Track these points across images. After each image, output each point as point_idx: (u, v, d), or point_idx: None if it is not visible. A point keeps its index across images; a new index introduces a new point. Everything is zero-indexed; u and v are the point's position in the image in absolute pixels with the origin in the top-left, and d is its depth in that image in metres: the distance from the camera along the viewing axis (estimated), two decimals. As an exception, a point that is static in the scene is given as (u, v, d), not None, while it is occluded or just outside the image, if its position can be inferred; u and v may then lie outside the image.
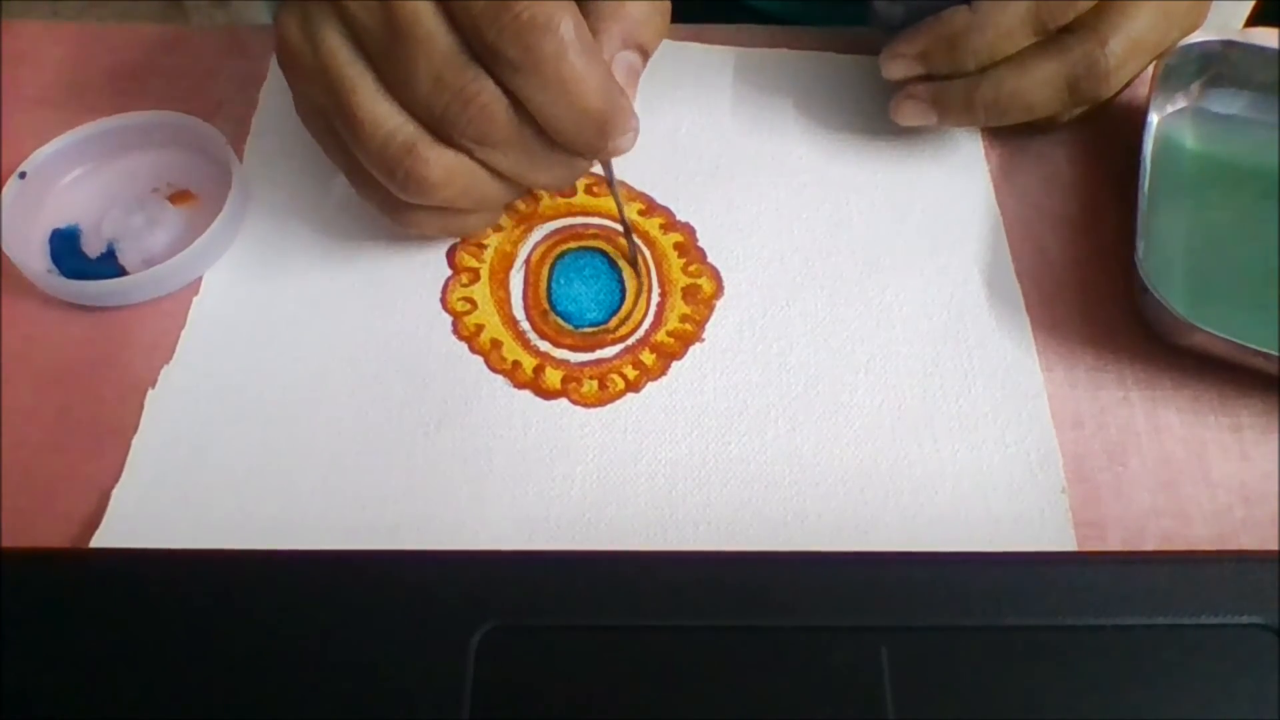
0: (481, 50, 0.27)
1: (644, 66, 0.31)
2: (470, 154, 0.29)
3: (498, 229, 0.35)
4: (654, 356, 0.33)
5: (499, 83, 0.28)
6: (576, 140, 0.29)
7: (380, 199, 0.32)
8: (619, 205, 0.34)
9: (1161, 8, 0.33)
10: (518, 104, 0.28)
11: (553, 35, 0.27)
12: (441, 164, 0.29)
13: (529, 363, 0.32)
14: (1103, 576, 0.25)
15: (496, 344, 0.33)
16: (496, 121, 0.28)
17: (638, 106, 0.39)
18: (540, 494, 0.30)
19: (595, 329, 0.33)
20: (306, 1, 0.29)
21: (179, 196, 0.36)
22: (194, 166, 0.36)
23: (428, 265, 0.34)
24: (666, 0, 0.32)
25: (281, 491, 0.29)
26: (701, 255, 0.35)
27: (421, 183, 0.29)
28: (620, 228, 0.35)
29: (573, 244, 0.35)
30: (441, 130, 0.29)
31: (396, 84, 0.28)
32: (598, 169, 0.37)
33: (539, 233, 0.35)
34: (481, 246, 0.35)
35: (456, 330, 0.33)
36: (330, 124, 0.30)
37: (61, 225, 0.35)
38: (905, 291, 0.34)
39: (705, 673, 0.24)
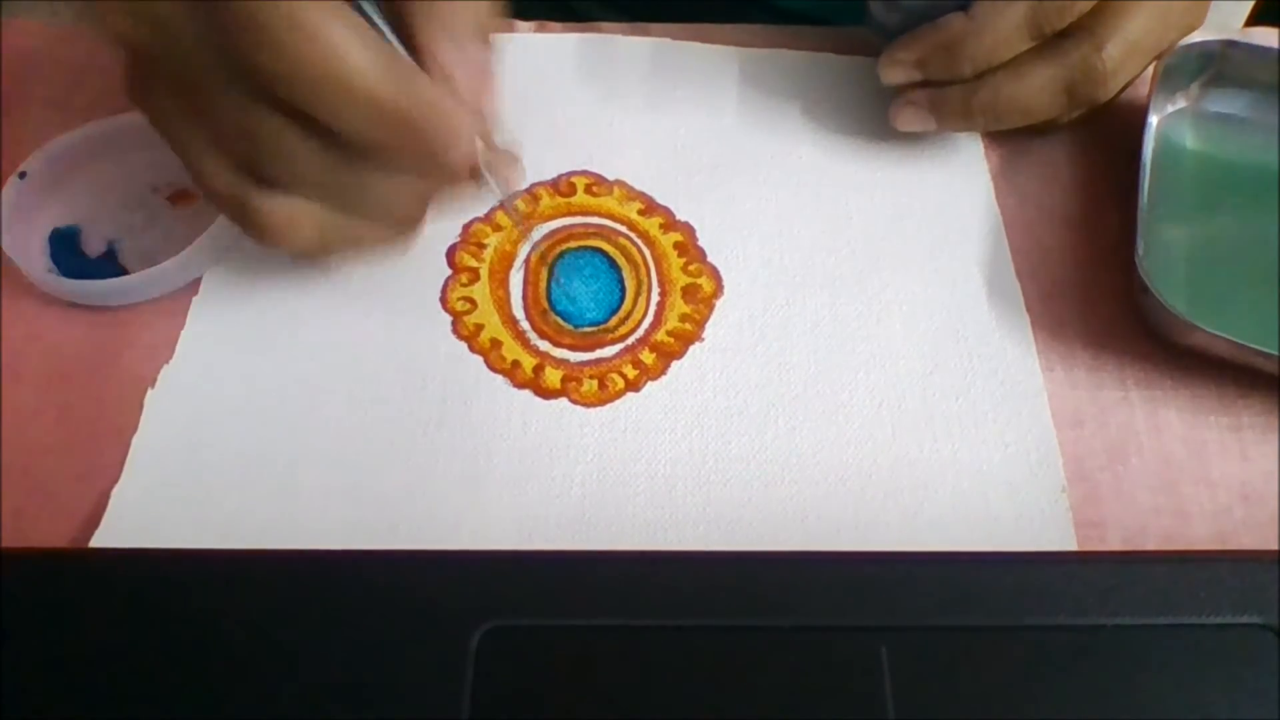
0: (252, 77, 0.24)
1: (489, 53, 0.28)
2: (306, 196, 0.27)
3: (497, 229, 0.35)
4: (654, 356, 0.33)
5: (296, 115, 0.25)
6: (391, 149, 0.26)
7: None
8: (513, 215, 0.31)
9: (1158, 9, 0.33)
10: (325, 134, 0.26)
11: (302, 30, 0.24)
12: (279, 213, 0.27)
13: (529, 362, 0.32)
14: (1103, 576, 0.25)
15: (496, 343, 0.33)
16: (307, 158, 0.26)
17: (635, 106, 0.39)
18: (540, 494, 0.30)
19: (595, 328, 0.33)
20: (137, 68, 0.27)
21: (179, 196, 0.36)
22: (194, 166, 0.36)
23: (427, 265, 0.34)
24: None
25: (281, 491, 0.29)
26: (701, 255, 0.35)
27: (265, 233, 0.28)
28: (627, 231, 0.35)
29: (572, 244, 0.35)
30: (266, 179, 0.27)
31: (216, 138, 0.27)
32: (601, 169, 0.37)
33: (539, 232, 0.35)
34: (481, 246, 0.35)
35: (456, 330, 0.33)
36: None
37: (61, 225, 0.35)
38: (905, 291, 0.34)
39: (705, 673, 0.24)
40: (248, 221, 0.28)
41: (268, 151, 0.26)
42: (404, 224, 0.30)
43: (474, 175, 0.28)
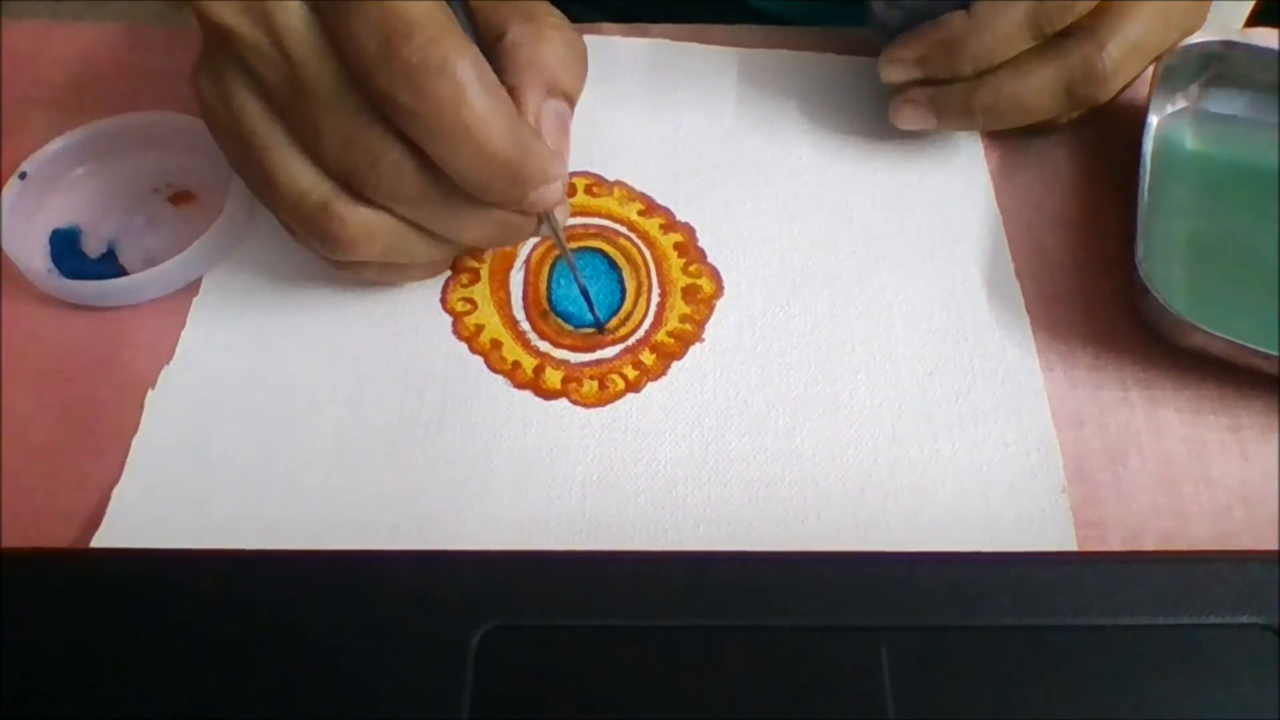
0: (378, 100, 0.26)
1: (572, 113, 0.30)
2: (389, 211, 0.28)
3: (498, 229, 0.35)
4: (654, 356, 0.33)
5: (405, 136, 0.26)
6: (489, 192, 0.27)
7: (312, 249, 0.31)
8: (566, 256, 0.32)
9: (1160, 10, 0.33)
10: (427, 158, 0.27)
11: (447, 78, 0.25)
12: (359, 222, 0.28)
13: (529, 363, 0.32)
14: (1103, 576, 0.25)
15: (496, 344, 0.33)
16: (406, 178, 0.27)
17: (635, 106, 0.39)
18: (540, 494, 0.30)
19: (595, 329, 0.33)
20: (218, 58, 0.28)
21: (179, 196, 0.36)
22: (194, 166, 0.36)
23: (428, 265, 0.34)
24: (581, 41, 0.31)
25: (281, 491, 0.29)
26: (701, 255, 0.35)
27: (339, 241, 0.28)
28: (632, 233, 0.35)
29: (573, 244, 0.35)
30: (355, 188, 0.28)
31: (308, 141, 0.27)
32: (601, 170, 0.37)
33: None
34: (481, 247, 0.35)
35: (456, 330, 0.33)
36: (249, 180, 0.30)
37: (61, 225, 0.35)
38: (905, 291, 0.34)
39: (705, 673, 0.24)
40: (324, 226, 0.28)
41: (371, 164, 0.27)
42: (458, 250, 0.32)
43: (542, 216, 0.30)
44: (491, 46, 0.29)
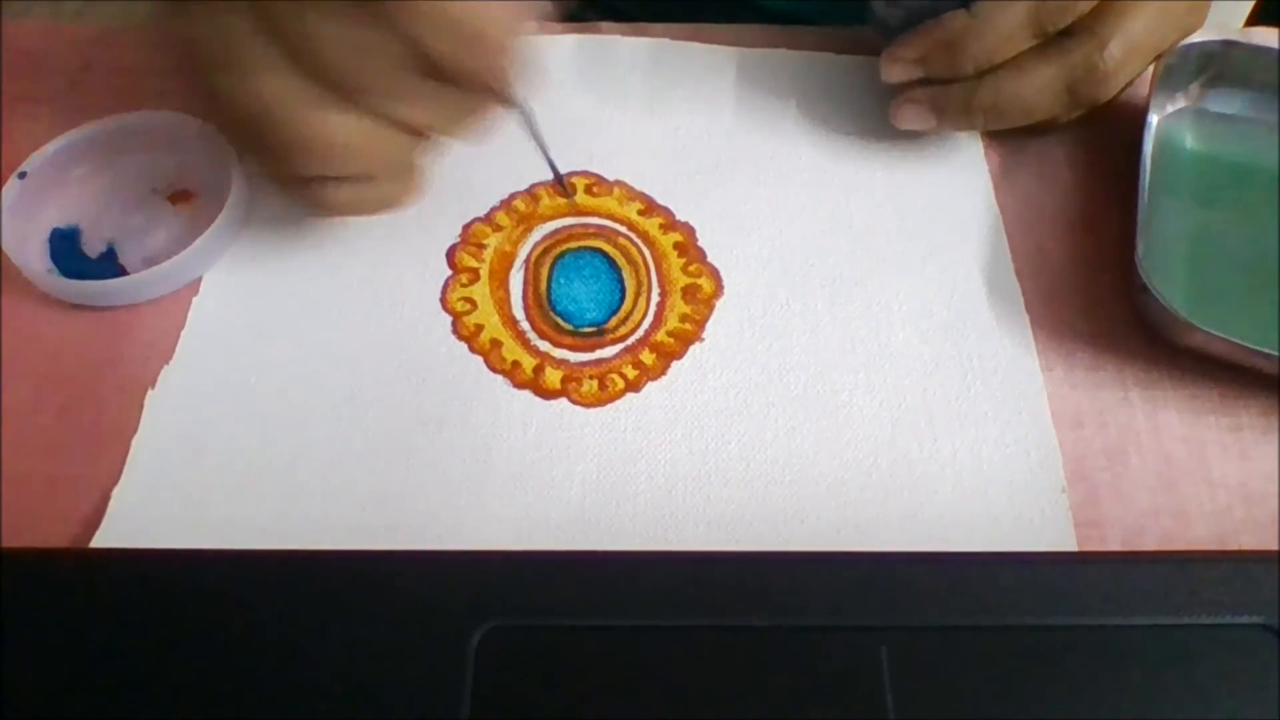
0: None
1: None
2: (371, 113, 0.29)
3: (497, 229, 0.35)
4: (654, 356, 0.33)
5: (396, 32, 0.28)
6: (473, 75, 0.29)
7: (286, 178, 0.31)
8: (543, 149, 0.34)
9: (1160, 9, 0.33)
10: (417, 50, 0.28)
11: None
12: (339, 129, 0.29)
13: (529, 363, 0.32)
14: (1103, 576, 0.25)
15: (496, 344, 0.33)
16: (386, 67, 0.28)
17: (635, 106, 0.39)
18: (540, 494, 0.30)
19: (595, 329, 0.33)
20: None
21: (179, 196, 0.36)
22: (194, 166, 0.36)
23: (428, 265, 0.34)
24: None
25: (281, 491, 0.29)
26: (701, 255, 0.35)
27: (315, 147, 0.29)
28: (613, 224, 0.35)
29: (572, 244, 0.35)
30: (344, 89, 0.28)
31: (297, 46, 0.28)
32: (601, 169, 0.37)
33: (539, 232, 0.35)
34: (481, 246, 0.35)
35: (456, 330, 0.33)
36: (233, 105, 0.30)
37: (61, 225, 0.35)
38: (905, 291, 0.34)
39: (705, 673, 0.24)
40: (301, 133, 0.29)
41: (360, 61, 0.28)
42: (425, 153, 0.32)
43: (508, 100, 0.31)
44: None
